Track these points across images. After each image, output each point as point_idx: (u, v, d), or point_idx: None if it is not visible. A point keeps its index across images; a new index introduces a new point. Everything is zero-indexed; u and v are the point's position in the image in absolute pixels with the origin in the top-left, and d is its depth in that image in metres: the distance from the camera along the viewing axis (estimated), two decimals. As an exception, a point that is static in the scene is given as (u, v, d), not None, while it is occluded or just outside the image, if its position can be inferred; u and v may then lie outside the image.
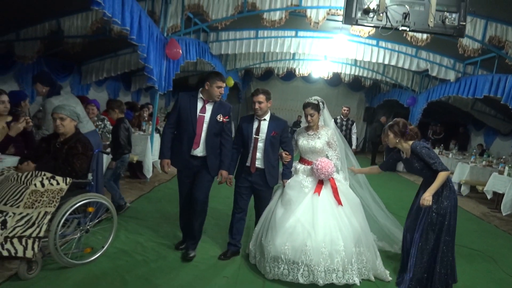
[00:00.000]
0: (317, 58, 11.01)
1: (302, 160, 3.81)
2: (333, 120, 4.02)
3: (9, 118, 3.66)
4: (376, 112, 15.57)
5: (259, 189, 3.73)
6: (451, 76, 8.78)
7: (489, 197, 7.08)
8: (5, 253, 2.63)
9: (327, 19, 6.48)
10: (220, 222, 4.75)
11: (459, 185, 8.37)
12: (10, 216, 2.69)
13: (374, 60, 8.97)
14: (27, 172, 2.92)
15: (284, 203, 3.52)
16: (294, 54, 10.92)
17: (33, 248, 2.74)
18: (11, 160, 3.26)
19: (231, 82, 11.96)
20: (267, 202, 3.73)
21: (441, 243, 3.32)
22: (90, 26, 6.21)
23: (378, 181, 9.22)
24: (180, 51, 6.23)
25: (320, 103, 3.71)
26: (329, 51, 9.04)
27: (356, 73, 12.14)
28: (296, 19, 7.48)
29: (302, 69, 12.70)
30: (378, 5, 3.04)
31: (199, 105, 3.56)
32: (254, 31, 8.78)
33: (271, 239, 3.35)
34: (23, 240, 2.71)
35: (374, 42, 8.65)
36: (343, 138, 3.98)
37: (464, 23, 3.02)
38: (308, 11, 6.11)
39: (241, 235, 3.87)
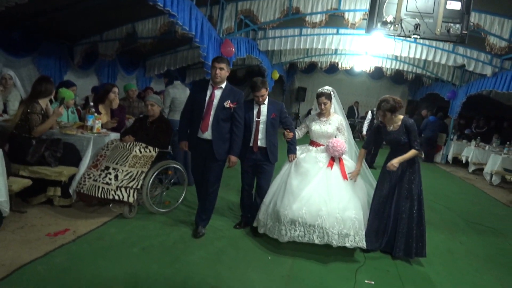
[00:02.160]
0: (358, 53, 11.58)
1: (313, 143, 4.10)
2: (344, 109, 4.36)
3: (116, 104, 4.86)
4: (419, 105, 15.77)
5: (262, 165, 3.98)
6: (488, 71, 9.12)
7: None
8: (116, 197, 3.78)
9: (364, 19, 7.19)
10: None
11: (491, 175, 8.78)
12: (120, 172, 3.85)
13: (412, 56, 9.47)
14: (129, 143, 4.08)
15: (300, 173, 3.81)
16: (336, 49, 11.56)
17: (133, 196, 3.88)
18: (115, 135, 4.45)
19: (276, 75, 12.86)
20: (269, 176, 4.03)
21: (413, 211, 3.73)
22: (159, 28, 7.41)
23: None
24: (233, 49, 7.25)
25: (332, 93, 4.06)
26: (369, 47, 9.65)
27: (397, 67, 12.51)
28: (336, 19, 8.20)
29: (344, 63, 13.17)
30: (394, 18, 3.83)
31: (209, 90, 3.72)
32: (298, 29, 9.58)
33: (288, 204, 3.58)
34: (127, 190, 3.85)
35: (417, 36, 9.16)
36: (348, 126, 4.28)
37: (466, 32, 3.73)
38: (346, 13, 6.87)
39: (252, 206, 4.10)
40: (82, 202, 4.07)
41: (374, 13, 3.93)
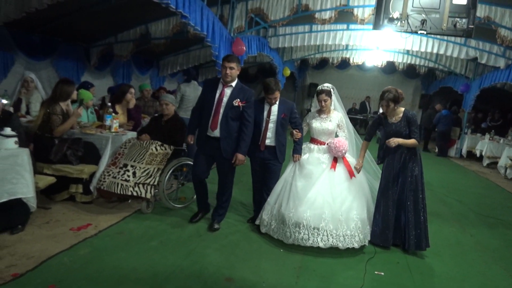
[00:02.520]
0: (369, 48, 11.56)
1: (314, 141, 4.10)
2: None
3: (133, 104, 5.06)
4: (432, 99, 15.63)
5: (269, 163, 4.02)
6: (501, 63, 9.05)
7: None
8: (135, 193, 3.97)
9: (373, 14, 7.22)
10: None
11: (505, 169, 8.73)
12: (137, 169, 4.04)
13: (423, 50, 9.45)
14: (145, 141, 4.26)
15: (304, 175, 3.85)
16: (347, 45, 11.56)
17: (150, 192, 4.06)
18: (131, 134, 4.64)
19: (287, 72, 12.93)
20: (276, 175, 4.05)
21: (418, 203, 3.79)
22: (171, 29, 7.59)
23: (427, 164, 9.82)
24: (244, 47, 7.37)
25: (331, 90, 4.05)
26: (380, 42, 9.65)
27: (410, 62, 12.43)
28: (346, 15, 8.24)
29: (356, 58, 13.08)
30: (401, 14, 3.90)
31: (219, 88, 3.76)
32: (308, 25, 9.64)
33: (294, 207, 3.64)
34: (145, 186, 4.03)
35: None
36: (349, 122, 4.30)
37: (473, 26, 3.78)
38: (355, 9, 6.93)
39: (263, 201, 4.10)
40: (102, 198, 4.26)
41: (381, 9, 4.01)
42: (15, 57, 6.29)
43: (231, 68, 3.68)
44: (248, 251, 3.57)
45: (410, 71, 14.76)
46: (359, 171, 3.99)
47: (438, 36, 9.11)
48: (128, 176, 3.99)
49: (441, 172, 8.97)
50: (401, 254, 3.85)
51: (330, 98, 4.03)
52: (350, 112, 16.10)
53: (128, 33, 7.86)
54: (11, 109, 4.43)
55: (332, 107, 4.13)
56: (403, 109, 3.87)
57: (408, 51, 11.54)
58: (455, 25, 3.85)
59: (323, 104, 4.01)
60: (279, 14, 7.18)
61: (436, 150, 12.02)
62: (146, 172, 4.05)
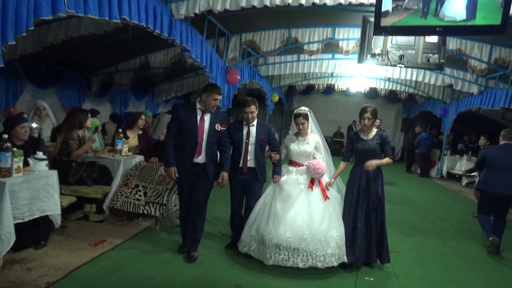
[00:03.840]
0: (353, 75, 12.25)
1: (292, 163, 4.14)
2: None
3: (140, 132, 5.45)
4: (413, 123, 16.37)
5: (251, 185, 4.04)
6: (474, 89, 9.81)
7: None
8: (146, 211, 4.33)
9: (357, 46, 7.89)
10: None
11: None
12: (148, 189, 4.41)
13: (403, 77, 10.18)
14: (154, 163, 4.66)
15: (282, 197, 3.87)
16: (332, 72, 12.23)
17: (159, 210, 4.42)
18: (139, 157, 5.03)
19: (276, 98, 13.56)
20: (258, 196, 4.05)
21: (378, 221, 3.94)
22: (170, 59, 8.09)
23: (411, 184, 10.40)
24: (238, 77, 7.92)
25: (308, 113, 4.11)
26: (363, 70, 10.34)
27: (391, 88, 13.15)
28: (332, 45, 8.91)
29: (340, 84, 13.67)
30: (381, 50, 4.48)
31: (198, 115, 3.71)
32: (296, 55, 10.27)
33: (273, 228, 3.65)
34: (154, 205, 4.39)
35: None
36: (326, 144, 4.31)
37: (443, 61, 4.38)
38: (340, 42, 7.57)
39: (242, 228, 4.06)
40: (113, 216, 4.60)
41: (364, 46, 4.60)
42: (24, 86, 6.68)
43: (220, 99, 3.76)
44: (251, 261, 3.92)
45: (392, 96, 15.49)
46: (330, 186, 4.04)
47: (416, 65, 9.87)
48: (140, 195, 4.37)
49: (424, 192, 9.52)
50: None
51: (307, 121, 4.10)
52: (336, 136, 16.77)
53: (128, 63, 8.35)
54: (36, 135, 4.77)
55: (309, 130, 4.18)
56: (376, 129, 4.06)
57: (389, 78, 12.24)
58: (428, 60, 4.45)
59: (300, 127, 4.07)
60: (270, 46, 7.77)
61: (418, 171, 12.62)
62: (156, 191, 4.43)
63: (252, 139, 4.02)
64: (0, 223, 2.94)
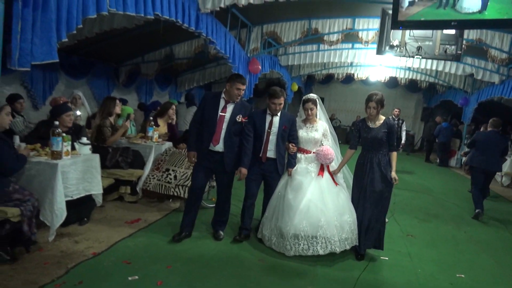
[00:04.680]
0: (373, 64, 12.29)
1: (300, 150, 4.11)
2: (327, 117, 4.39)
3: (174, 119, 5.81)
4: (433, 112, 16.30)
5: (270, 176, 4.05)
6: (496, 79, 9.77)
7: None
8: (176, 193, 4.69)
9: (376, 36, 8.00)
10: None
11: (501, 177, 9.37)
12: (178, 172, 4.76)
13: (423, 67, 10.22)
14: (183, 149, 5.00)
15: (294, 187, 3.88)
16: (351, 62, 12.31)
17: (188, 192, 4.76)
18: (169, 143, 5.39)
19: (295, 87, 13.75)
20: (275, 188, 4.06)
21: (382, 208, 3.90)
22: (194, 50, 8.39)
23: (429, 173, 10.50)
24: (260, 67, 8.17)
25: (317, 99, 4.10)
26: (382, 59, 10.40)
27: (411, 77, 13.11)
28: (351, 35, 9.03)
29: (360, 73, 13.72)
30: (400, 42, 4.66)
31: (221, 104, 3.79)
32: (316, 45, 10.42)
33: (289, 219, 3.70)
34: (184, 187, 4.74)
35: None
36: (334, 132, 4.33)
37: (460, 52, 4.53)
38: (360, 32, 7.71)
39: (252, 219, 4.20)
40: (146, 198, 4.99)
41: (382, 38, 4.77)
42: (59, 76, 7.11)
43: (243, 90, 3.83)
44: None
45: (412, 85, 15.39)
46: (335, 175, 4.09)
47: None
48: (170, 179, 4.72)
49: (442, 180, 9.63)
50: (402, 243, 4.52)
51: (316, 107, 4.07)
52: (354, 125, 16.83)
53: (154, 54, 8.70)
54: (81, 123, 5.16)
55: (317, 117, 4.17)
56: (383, 117, 3.97)
57: (409, 67, 12.23)
58: (445, 51, 4.60)
59: (309, 112, 4.04)
60: (291, 37, 7.97)
61: (438, 161, 12.66)
62: (185, 175, 4.77)
63: (275, 129, 3.97)
64: (54, 200, 3.33)
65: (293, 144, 4.05)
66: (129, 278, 3.06)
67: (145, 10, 3.99)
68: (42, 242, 3.48)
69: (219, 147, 3.82)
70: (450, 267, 4.00)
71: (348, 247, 3.81)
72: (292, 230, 3.66)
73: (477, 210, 5.99)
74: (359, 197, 3.95)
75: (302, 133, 4.10)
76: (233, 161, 3.90)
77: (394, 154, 3.91)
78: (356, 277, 3.52)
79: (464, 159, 8.37)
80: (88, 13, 3.19)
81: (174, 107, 5.68)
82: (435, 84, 15.16)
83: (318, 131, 4.09)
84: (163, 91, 11.06)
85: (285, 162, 4.13)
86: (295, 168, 4.03)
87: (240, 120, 3.84)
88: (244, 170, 3.89)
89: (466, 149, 7.75)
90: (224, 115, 3.80)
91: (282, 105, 3.97)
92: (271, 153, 4.00)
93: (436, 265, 4.01)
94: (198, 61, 10.42)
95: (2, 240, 3.05)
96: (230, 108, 3.83)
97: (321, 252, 3.66)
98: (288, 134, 4.05)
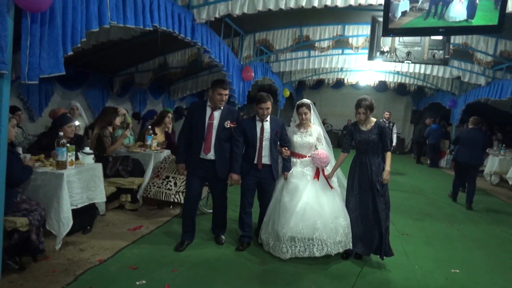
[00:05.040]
0: (362, 69, 12.54)
1: (295, 155, 4.14)
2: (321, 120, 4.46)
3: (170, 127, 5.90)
4: (422, 114, 16.61)
5: (266, 182, 4.06)
6: (482, 81, 10.06)
7: (510, 183, 8.37)
8: (176, 200, 4.77)
9: (367, 41, 8.20)
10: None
11: (490, 176, 9.61)
12: (178, 179, 4.85)
13: (411, 70, 10.48)
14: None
15: (290, 190, 3.91)
16: (341, 67, 12.52)
17: (184, 200, 4.85)
18: (167, 151, 5.48)
19: (287, 93, 13.92)
20: (271, 195, 4.09)
21: (386, 212, 3.90)
22: (187, 59, 8.50)
23: (421, 174, 10.71)
24: (253, 74, 8.31)
25: (311, 104, 4.15)
26: (372, 64, 10.65)
27: (400, 81, 13.38)
28: (342, 41, 9.24)
29: (350, 78, 13.88)
30: (390, 48, 4.84)
31: (208, 112, 3.80)
32: (307, 51, 10.60)
33: (285, 222, 3.73)
34: (184, 194, 4.81)
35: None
36: (327, 136, 4.35)
37: (448, 56, 4.72)
38: (350, 39, 7.91)
39: (252, 226, 4.19)
40: (146, 205, 5.07)
41: (373, 45, 4.95)
42: (54, 88, 7.15)
43: (226, 95, 3.82)
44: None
45: (401, 88, 15.68)
46: (330, 179, 4.10)
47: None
48: (171, 186, 4.81)
49: (433, 181, 9.83)
50: (398, 241, 4.65)
51: (310, 111, 4.11)
52: (346, 129, 17.06)
53: (148, 64, 8.78)
54: (79, 133, 5.22)
55: (311, 122, 4.21)
56: (374, 119, 4.02)
57: (398, 71, 12.50)
58: (434, 56, 4.79)
59: (303, 117, 4.07)
60: (283, 44, 8.13)
61: (428, 162, 12.90)
62: (185, 182, 4.85)
63: (267, 135, 3.99)
64: (60, 209, 3.41)
65: (286, 148, 4.06)
66: (137, 283, 3.14)
67: (144, 22, 4.10)
68: (47, 251, 3.53)
69: (211, 155, 3.84)
70: (445, 263, 4.15)
71: (341, 250, 3.85)
72: (289, 233, 3.70)
73: (451, 192, 7.32)
74: (355, 200, 3.97)
75: (297, 138, 4.13)
76: (226, 168, 3.93)
77: (389, 154, 3.98)
78: (356, 275, 3.64)
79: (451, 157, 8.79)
80: (91, 27, 3.29)
81: (170, 115, 5.78)
82: (424, 87, 15.45)
83: (313, 136, 4.13)
84: (157, 99, 11.13)
85: (279, 167, 4.16)
86: (290, 171, 4.05)
87: (228, 126, 3.86)
88: (235, 176, 3.94)
89: (452, 147, 8.40)
90: (213, 123, 3.82)
91: (269, 110, 3.97)
92: (265, 159, 4.01)
93: (432, 262, 4.16)
94: (192, 70, 10.53)
95: (11, 250, 3.11)
96: (217, 114, 3.85)
97: (317, 254, 3.71)
98: (280, 139, 4.08)
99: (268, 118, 4.03)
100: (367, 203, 3.92)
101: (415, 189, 8.46)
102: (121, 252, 3.73)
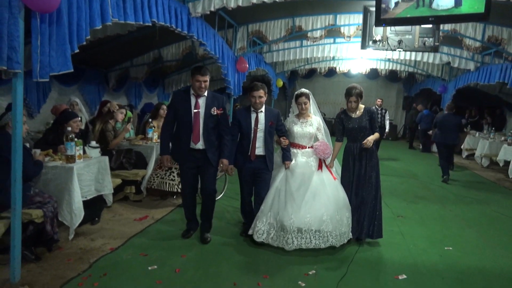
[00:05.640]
0: (354, 57, 12.68)
1: (295, 145, 4.10)
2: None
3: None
4: (414, 101, 16.83)
5: (261, 173, 3.97)
6: (471, 66, 10.26)
7: (501, 165, 8.66)
8: (179, 190, 4.93)
9: (360, 30, 8.33)
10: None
11: (481, 158, 9.89)
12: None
13: (402, 58, 10.66)
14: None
15: (296, 180, 3.88)
16: (333, 56, 12.66)
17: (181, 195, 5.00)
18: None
19: (280, 83, 14.05)
20: (267, 184, 4.00)
21: (376, 198, 4.06)
22: (181, 52, 8.57)
23: (413, 159, 10.97)
24: (247, 65, 8.42)
25: (310, 94, 4.10)
26: (363, 52, 10.76)
27: (391, 68, 13.56)
28: (334, 31, 9.35)
29: (342, 67, 14.01)
30: (382, 37, 4.99)
31: (193, 101, 3.70)
32: (299, 41, 10.70)
33: (293, 212, 3.70)
34: (186, 184, 4.98)
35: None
36: (325, 125, 4.29)
37: (438, 43, 4.89)
38: (342, 28, 8.02)
39: (253, 213, 4.08)
40: (150, 196, 5.22)
41: (366, 34, 5.10)
42: (51, 84, 7.21)
43: (205, 81, 3.70)
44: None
45: (392, 75, 15.88)
46: (331, 167, 4.18)
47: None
48: (174, 176, 4.96)
49: (426, 165, 10.09)
50: (394, 222, 4.87)
51: (309, 101, 4.07)
52: (338, 117, 17.23)
53: (143, 58, 8.84)
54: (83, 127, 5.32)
55: (311, 111, 4.18)
56: (363, 106, 4.13)
57: (389, 59, 12.67)
58: (424, 43, 4.97)
59: (303, 106, 4.02)
60: (276, 35, 8.23)
61: (420, 147, 13.17)
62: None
63: (261, 126, 3.93)
64: (72, 201, 3.55)
65: (284, 138, 4.05)
66: (149, 268, 3.32)
67: (143, 18, 4.19)
68: (60, 242, 3.68)
69: (200, 144, 3.77)
70: (439, 241, 4.38)
71: (345, 241, 3.92)
72: (296, 223, 3.68)
73: (444, 177, 7.73)
74: (350, 187, 4.08)
75: (297, 128, 4.07)
76: (216, 155, 3.88)
77: (377, 134, 4.07)
78: (354, 253, 3.85)
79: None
80: (95, 24, 3.39)
81: (164, 107, 5.88)
82: (414, 74, 15.65)
83: (313, 126, 4.09)
84: (152, 93, 11.19)
85: (276, 159, 4.14)
86: (295, 162, 4.00)
87: (215, 113, 3.77)
88: (225, 161, 3.88)
89: (431, 131, 9.60)
90: (199, 111, 3.72)
91: (263, 99, 3.90)
92: (259, 150, 3.96)
93: (426, 240, 4.38)
94: (186, 62, 10.58)
95: (27, 241, 3.25)
96: (202, 102, 3.75)
97: (322, 246, 3.74)
98: (276, 129, 4.05)
99: (263, 109, 3.97)
100: (361, 188, 4.06)
101: (408, 173, 8.70)
102: (130, 241, 3.90)
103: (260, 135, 3.94)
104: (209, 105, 3.76)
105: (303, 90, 4.15)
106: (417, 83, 16.45)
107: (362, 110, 4.09)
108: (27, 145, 3.86)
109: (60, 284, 2.96)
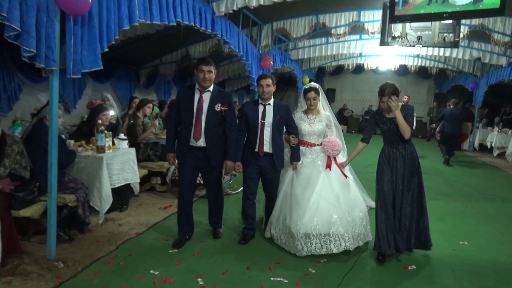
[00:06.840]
0: (382, 54, 12.55)
1: (303, 143, 3.86)
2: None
3: None
4: (445, 98, 16.42)
5: (268, 173, 3.77)
6: (503, 61, 9.98)
7: None
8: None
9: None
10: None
11: (511, 156, 9.62)
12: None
13: (430, 53, 10.48)
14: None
15: (301, 182, 3.67)
16: (360, 52, 12.57)
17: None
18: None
19: (306, 79, 14.10)
20: (276, 184, 3.83)
21: (418, 203, 3.64)
22: (208, 49, 8.86)
23: (441, 157, 10.76)
24: (271, 62, 8.59)
25: (319, 88, 3.84)
26: (391, 48, 10.66)
27: (421, 64, 13.28)
28: (358, 27, 9.36)
29: (369, 63, 13.90)
30: (401, 33, 5.03)
31: (196, 96, 3.50)
32: (325, 38, 10.76)
33: (298, 218, 3.47)
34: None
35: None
36: (337, 122, 4.10)
37: (458, 39, 4.87)
38: (366, 24, 8.05)
39: (255, 218, 3.96)
40: (174, 187, 5.51)
41: (385, 30, 5.16)
42: (86, 81, 7.68)
43: (209, 72, 3.48)
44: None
45: (422, 72, 15.52)
46: (344, 167, 3.89)
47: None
48: (197, 168, 5.19)
49: (453, 163, 9.91)
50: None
51: (319, 96, 3.83)
52: (367, 114, 17.10)
53: (171, 55, 9.21)
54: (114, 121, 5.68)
55: (320, 107, 3.94)
56: (400, 103, 3.58)
57: (418, 54, 12.46)
58: (444, 39, 4.95)
59: (311, 102, 3.77)
60: (300, 32, 8.36)
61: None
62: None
63: (269, 119, 3.68)
64: (101, 188, 3.87)
65: (294, 136, 3.77)
66: (170, 251, 3.58)
67: (168, 18, 4.46)
68: (91, 226, 4.02)
69: (201, 142, 3.52)
70: (455, 236, 4.40)
71: (361, 243, 3.67)
72: (303, 229, 3.46)
73: (445, 156, 9.46)
74: (393, 195, 3.54)
75: (305, 125, 3.83)
76: (218, 156, 3.62)
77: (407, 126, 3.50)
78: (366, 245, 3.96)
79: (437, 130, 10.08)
80: (123, 25, 3.67)
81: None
82: (445, 70, 15.28)
83: (322, 122, 3.83)
84: (179, 88, 11.58)
85: (284, 157, 3.89)
86: (301, 162, 3.81)
87: (219, 109, 3.50)
88: (230, 163, 3.63)
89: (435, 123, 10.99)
90: (202, 106, 3.49)
91: (270, 88, 3.66)
92: (267, 146, 3.71)
93: (441, 234, 4.41)
94: (213, 60, 10.81)
95: (61, 223, 3.58)
96: (206, 97, 3.51)
97: (335, 250, 3.47)
98: (286, 125, 3.80)
99: (271, 102, 3.74)
100: (404, 196, 3.56)
101: (434, 171, 8.59)
102: (154, 227, 4.19)
103: (267, 129, 3.70)
104: (214, 100, 3.50)
105: (313, 84, 3.89)
106: (449, 79, 16.03)
107: (399, 108, 3.52)
108: (63, 137, 4.25)
109: (90, 261, 3.27)
